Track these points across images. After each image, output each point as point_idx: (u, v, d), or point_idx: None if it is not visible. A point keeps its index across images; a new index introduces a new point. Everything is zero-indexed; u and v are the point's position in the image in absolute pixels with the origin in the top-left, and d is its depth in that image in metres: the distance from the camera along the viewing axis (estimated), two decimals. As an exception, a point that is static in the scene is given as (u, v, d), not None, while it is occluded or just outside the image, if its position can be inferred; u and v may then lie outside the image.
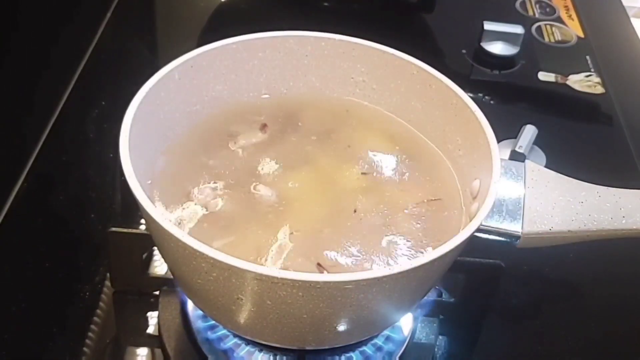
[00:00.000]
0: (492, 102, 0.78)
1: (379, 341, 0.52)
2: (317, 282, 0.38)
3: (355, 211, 0.47)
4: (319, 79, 0.55)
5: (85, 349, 0.53)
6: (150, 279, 0.55)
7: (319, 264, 0.44)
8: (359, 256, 0.45)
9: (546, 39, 0.88)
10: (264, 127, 0.52)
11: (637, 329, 0.59)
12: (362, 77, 0.54)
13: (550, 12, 0.93)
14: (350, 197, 0.48)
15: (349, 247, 0.45)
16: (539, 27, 0.90)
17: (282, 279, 0.37)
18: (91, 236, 0.61)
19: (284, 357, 0.50)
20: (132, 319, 0.56)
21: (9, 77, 0.66)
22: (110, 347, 0.54)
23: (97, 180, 0.67)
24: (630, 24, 0.93)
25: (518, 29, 0.82)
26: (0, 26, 0.66)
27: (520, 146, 0.67)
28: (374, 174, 0.50)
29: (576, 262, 0.61)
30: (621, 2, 0.97)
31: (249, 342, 0.50)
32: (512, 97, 0.81)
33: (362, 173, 0.50)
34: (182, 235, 0.39)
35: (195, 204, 0.47)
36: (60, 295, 0.56)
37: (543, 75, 0.82)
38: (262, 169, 0.50)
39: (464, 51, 0.84)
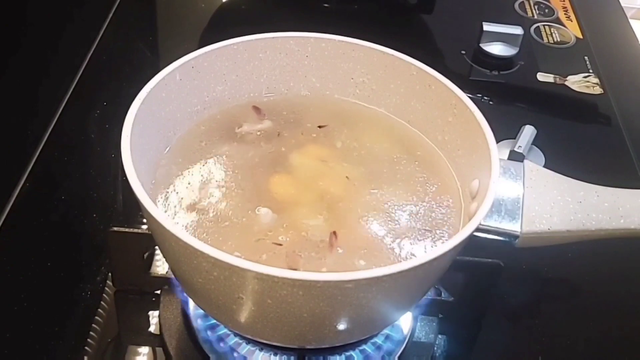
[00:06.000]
0: (491, 102, 0.79)
1: (378, 340, 0.52)
2: (317, 282, 0.38)
3: (354, 211, 0.48)
4: (319, 79, 0.55)
5: (86, 347, 0.53)
6: (152, 278, 0.56)
7: (333, 232, 0.45)
8: (357, 255, 0.45)
9: (545, 40, 0.88)
10: (257, 110, 0.53)
11: (635, 328, 0.59)
12: (362, 77, 0.55)
13: (549, 13, 0.93)
14: (350, 197, 0.49)
15: (348, 246, 0.45)
16: (538, 28, 0.90)
17: (282, 278, 0.38)
18: (93, 236, 0.61)
19: (285, 356, 0.50)
20: (134, 318, 0.56)
21: (12, 77, 0.67)
22: (112, 346, 0.54)
23: (99, 180, 0.67)
24: (629, 24, 0.94)
25: (517, 30, 0.82)
26: (3, 27, 0.66)
27: (519, 146, 0.68)
28: (374, 175, 0.50)
29: (575, 262, 0.61)
30: (619, 3, 0.98)
31: (249, 341, 0.50)
32: (511, 97, 0.82)
33: (362, 174, 0.50)
34: (183, 234, 0.39)
35: (197, 204, 0.47)
36: (62, 294, 0.56)
37: (542, 76, 0.83)
38: (263, 168, 0.50)
39: (463, 52, 0.85)
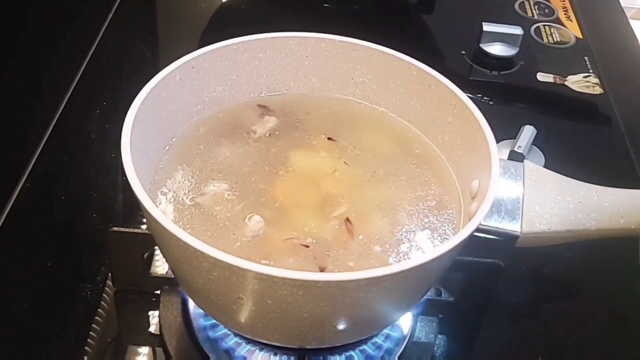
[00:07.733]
0: (491, 102, 0.79)
1: (378, 340, 0.52)
2: (317, 282, 0.38)
3: (359, 208, 0.48)
4: (319, 79, 0.55)
5: (87, 347, 0.53)
6: (152, 278, 0.56)
7: (347, 219, 0.46)
8: (359, 255, 0.45)
9: (545, 40, 0.88)
10: (264, 108, 0.53)
11: (635, 328, 0.59)
12: (362, 77, 0.55)
13: (549, 13, 0.93)
14: (350, 197, 0.49)
15: (349, 246, 0.45)
16: (538, 28, 0.90)
17: (282, 278, 0.38)
18: (93, 236, 0.61)
19: (285, 356, 0.50)
20: (134, 318, 0.56)
21: (12, 77, 0.67)
22: (112, 346, 0.54)
23: (99, 180, 0.68)
24: (629, 25, 0.94)
25: (517, 30, 0.82)
26: (3, 27, 0.66)
27: (519, 146, 0.68)
28: (374, 174, 0.51)
29: (574, 262, 0.61)
30: (619, 3, 0.98)
31: (249, 341, 0.50)
32: (511, 97, 0.82)
33: (362, 173, 0.51)
34: (183, 234, 0.39)
35: (196, 204, 0.47)
36: (62, 294, 0.57)
37: (542, 76, 0.83)
38: (263, 169, 0.50)
39: (463, 52, 0.85)
